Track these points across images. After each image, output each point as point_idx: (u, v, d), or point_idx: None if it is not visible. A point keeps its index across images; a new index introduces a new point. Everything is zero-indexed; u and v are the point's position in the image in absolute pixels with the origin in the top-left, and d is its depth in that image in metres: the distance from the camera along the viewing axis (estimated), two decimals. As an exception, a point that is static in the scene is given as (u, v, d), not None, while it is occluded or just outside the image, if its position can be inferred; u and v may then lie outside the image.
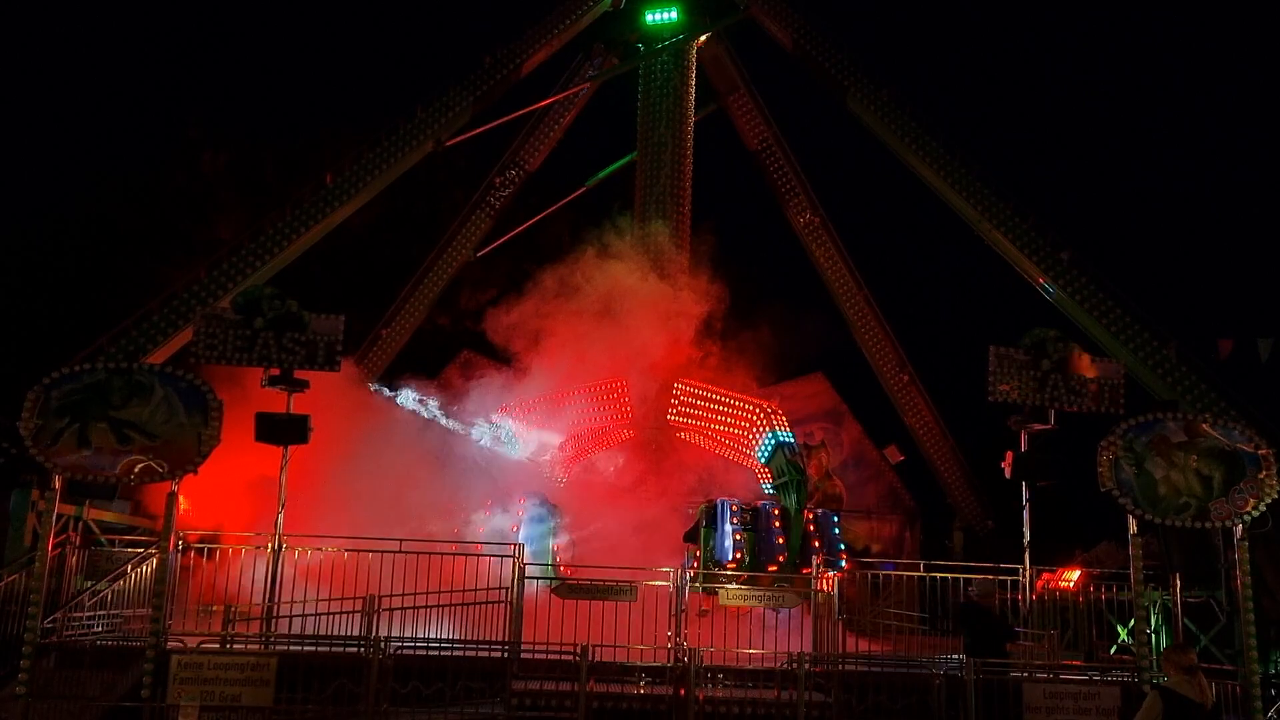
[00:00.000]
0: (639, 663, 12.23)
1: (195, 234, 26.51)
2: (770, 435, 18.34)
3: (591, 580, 12.91)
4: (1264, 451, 12.30)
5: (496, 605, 12.56)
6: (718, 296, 21.51)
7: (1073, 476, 14.66)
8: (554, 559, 16.17)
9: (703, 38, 25.82)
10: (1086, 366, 14.68)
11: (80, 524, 16.42)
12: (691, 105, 25.19)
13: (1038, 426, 14.73)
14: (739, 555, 16.41)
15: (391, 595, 12.37)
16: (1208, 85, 44.20)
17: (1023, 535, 14.78)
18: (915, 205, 26.26)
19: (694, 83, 25.46)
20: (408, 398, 20.84)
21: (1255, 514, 12.13)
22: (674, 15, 25.29)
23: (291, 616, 12.71)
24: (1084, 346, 15.27)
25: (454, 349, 26.09)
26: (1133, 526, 12.25)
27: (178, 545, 12.42)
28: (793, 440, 18.38)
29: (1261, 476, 12.17)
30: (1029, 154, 39.25)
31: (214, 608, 12.74)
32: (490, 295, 27.69)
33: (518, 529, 16.65)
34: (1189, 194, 39.43)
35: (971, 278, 29.42)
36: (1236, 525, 12.15)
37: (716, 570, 16.07)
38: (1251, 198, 38.75)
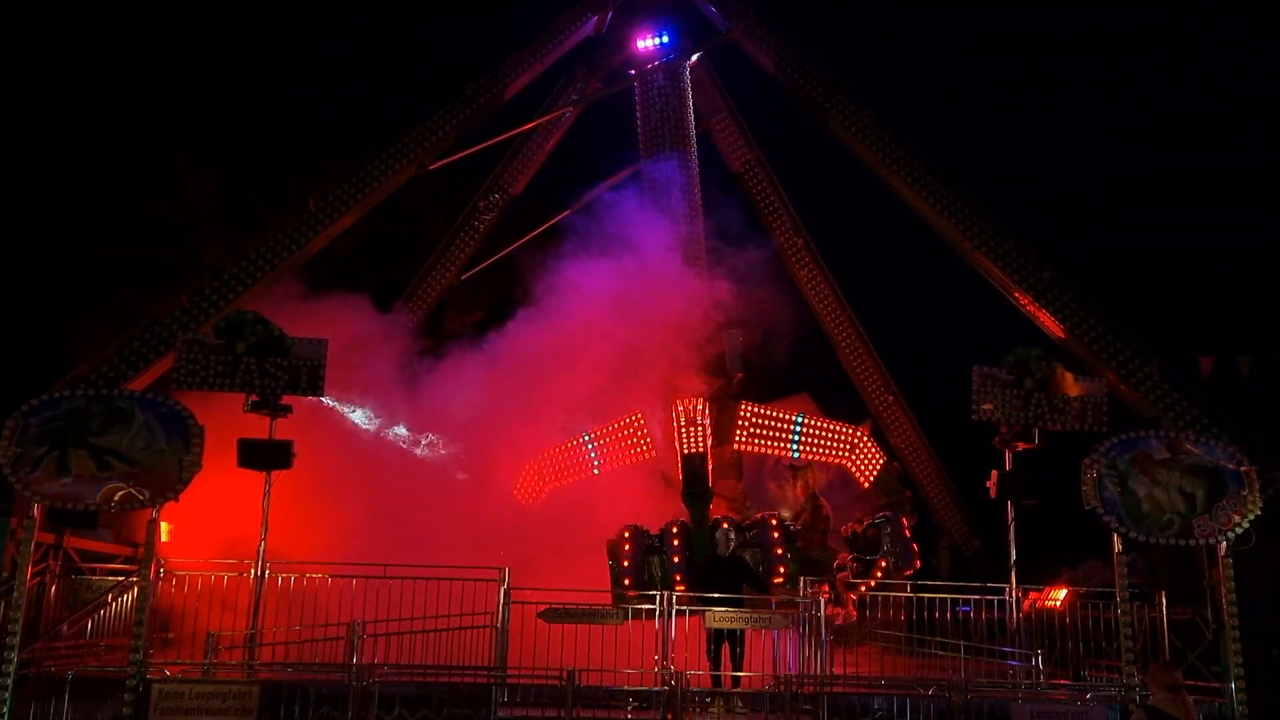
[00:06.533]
0: (626, 687, 12.16)
1: (179, 265, 26.41)
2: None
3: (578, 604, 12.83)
4: (1246, 468, 12.37)
5: (482, 630, 12.48)
6: (719, 314, 21.39)
7: (1058, 495, 14.71)
8: None
9: (694, 58, 25.97)
10: (1069, 385, 14.75)
11: (60, 552, 16.25)
12: (691, 125, 25.26)
13: (1022, 445, 14.77)
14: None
15: (376, 621, 12.28)
16: (1190, 102, 44.69)
17: (1009, 554, 14.80)
18: (898, 225, 26.41)
19: (691, 103, 25.57)
20: (360, 415, 20.60)
21: (1239, 531, 12.17)
22: (666, 39, 25.50)
23: (275, 644, 12.60)
24: (1067, 365, 15.35)
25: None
26: (1117, 544, 12.28)
27: (158, 573, 12.30)
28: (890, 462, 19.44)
29: (1244, 493, 12.23)
30: (1009, 173, 39.55)
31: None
32: (476, 318, 27.69)
33: None
34: (1169, 211, 39.77)
35: (955, 297, 29.56)
36: (1220, 542, 12.19)
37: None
38: (1232, 215, 39.13)
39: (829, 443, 19.34)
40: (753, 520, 16.86)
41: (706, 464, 17.22)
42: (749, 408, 19.35)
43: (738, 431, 19.29)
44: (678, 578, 15.64)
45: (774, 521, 16.52)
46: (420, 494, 18.92)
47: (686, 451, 17.22)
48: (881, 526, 18.16)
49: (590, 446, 18.26)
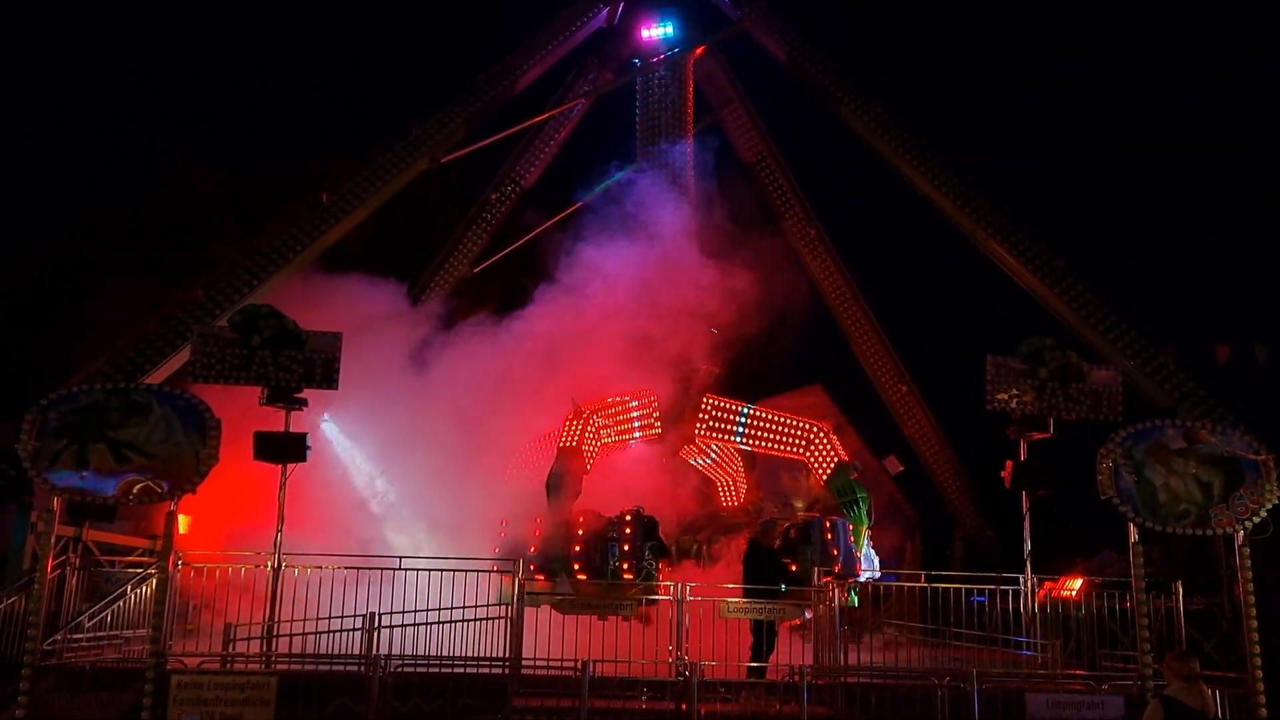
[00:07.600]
0: (640, 677, 12.19)
1: (180, 264, 26.46)
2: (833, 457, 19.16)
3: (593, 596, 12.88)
4: (1263, 457, 12.28)
5: (497, 621, 12.52)
6: (722, 306, 21.38)
7: (1073, 484, 14.65)
8: None
9: (699, 50, 25.90)
10: (1084, 374, 14.68)
11: (80, 545, 16.36)
12: (690, 118, 25.23)
13: (1036, 435, 14.72)
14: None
15: (392, 612, 12.34)
16: (1193, 99, 44.42)
17: (1024, 544, 14.75)
18: (911, 216, 26.31)
19: (693, 96, 25.54)
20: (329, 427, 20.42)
21: (1256, 520, 12.10)
22: (670, 30, 25.41)
23: (292, 635, 12.67)
24: (1081, 354, 15.27)
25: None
26: (1133, 534, 12.23)
27: (177, 565, 12.39)
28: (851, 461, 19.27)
29: (1261, 482, 12.15)
30: (1014, 169, 39.35)
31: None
32: (489, 309, 27.69)
33: None
34: (1185, 200, 39.55)
35: (968, 287, 29.45)
36: (1237, 532, 12.13)
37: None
38: (1247, 202, 38.89)
39: (783, 437, 19.43)
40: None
41: (578, 460, 17.24)
42: (712, 400, 19.54)
43: (698, 425, 19.47)
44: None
45: (849, 526, 16.85)
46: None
47: (562, 444, 17.34)
48: (803, 530, 17.97)
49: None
